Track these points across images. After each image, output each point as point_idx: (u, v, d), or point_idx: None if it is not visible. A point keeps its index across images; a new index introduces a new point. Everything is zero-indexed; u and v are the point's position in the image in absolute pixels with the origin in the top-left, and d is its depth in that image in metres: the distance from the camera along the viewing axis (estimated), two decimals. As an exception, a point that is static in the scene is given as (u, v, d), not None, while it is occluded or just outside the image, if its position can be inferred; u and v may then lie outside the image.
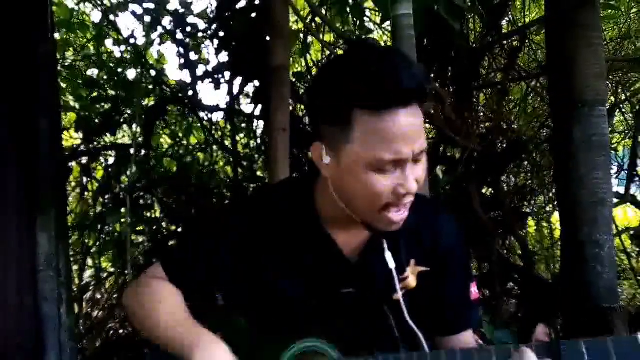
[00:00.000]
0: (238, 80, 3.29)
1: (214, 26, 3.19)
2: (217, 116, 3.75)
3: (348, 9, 3.14)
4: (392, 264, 1.21)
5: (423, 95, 1.09)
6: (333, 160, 1.13)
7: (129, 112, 3.54)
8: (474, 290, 1.34)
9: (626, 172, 3.23)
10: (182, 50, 3.31)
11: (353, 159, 1.09)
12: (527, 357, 1.03)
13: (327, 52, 3.31)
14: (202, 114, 3.69)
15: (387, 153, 1.05)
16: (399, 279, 1.24)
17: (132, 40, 3.40)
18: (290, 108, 2.39)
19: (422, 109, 1.11)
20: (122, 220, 2.96)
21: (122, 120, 3.55)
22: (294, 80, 3.20)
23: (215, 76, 3.30)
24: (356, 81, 1.05)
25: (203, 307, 1.31)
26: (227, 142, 3.77)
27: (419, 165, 1.12)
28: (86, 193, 3.66)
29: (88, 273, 3.88)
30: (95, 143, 3.56)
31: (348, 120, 1.06)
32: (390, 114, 1.03)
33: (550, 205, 3.73)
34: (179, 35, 3.34)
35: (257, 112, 3.31)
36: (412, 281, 1.26)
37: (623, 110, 3.55)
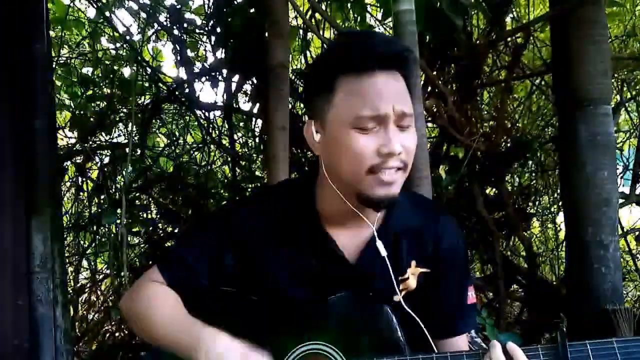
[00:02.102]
0: (236, 78, 3.27)
1: (211, 22, 3.16)
2: (215, 114, 3.73)
3: (348, 5, 3.12)
4: (383, 252, 1.22)
5: (400, 61, 1.16)
6: (322, 134, 1.19)
7: (124, 110, 3.51)
8: (470, 294, 1.35)
9: (631, 171, 3.21)
10: (178, 47, 3.28)
11: (336, 121, 1.15)
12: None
13: (327, 49, 3.27)
14: (199, 113, 3.66)
15: (366, 109, 1.11)
16: (400, 280, 1.26)
17: (127, 37, 3.35)
18: (290, 106, 2.36)
19: (408, 83, 1.18)
20: (118, 220, 2.93)
21: (117, 119, 3.52)
22: (293, 77, 3.17)
23: (213, 74, 3.28)
24: (339, 51, 1.19)
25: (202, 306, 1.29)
26: (224, 141, 3.74)
27: (406, 134, 1.15)
28: (81, 193, 3.63)
29: (83, 274, 3.86)
30: (90, 142, 3.53)
31: (332, 87, 1.15)
32: (369, 75, 1.12)
33: (555, 206, 3.73)
34: (176, 32, 3.32)
35: (256, 110, 3.28)
36: (412, 282, 1.27)
37: (628, 109, 3.54)
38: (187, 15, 3.40)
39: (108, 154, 3.61)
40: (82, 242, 3.73)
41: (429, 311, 1.29)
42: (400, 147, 1.12)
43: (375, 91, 1.11)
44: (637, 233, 3.53)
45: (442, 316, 1.31)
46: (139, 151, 3.52)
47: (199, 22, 3.41)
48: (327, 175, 1.21)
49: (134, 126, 3.33)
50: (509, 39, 3.12)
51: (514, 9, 3.36)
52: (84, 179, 3.58)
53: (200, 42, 3.54)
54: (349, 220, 1.24)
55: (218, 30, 3.03)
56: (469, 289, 1.34)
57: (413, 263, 1.27)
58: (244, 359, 1.13)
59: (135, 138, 3.41)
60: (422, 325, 1.23)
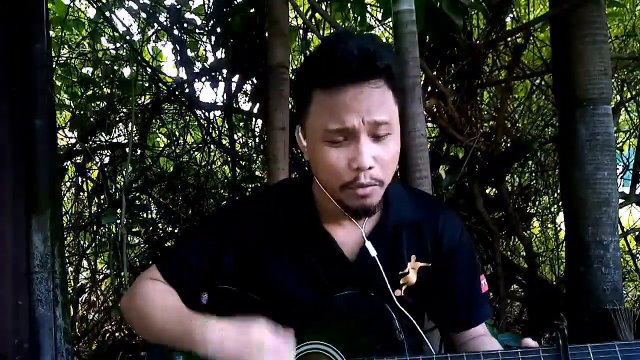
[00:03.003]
0: (236, 78, 3.26)
1: (211, 22, 3.15)
2: (215, 114, 3.72)
3: (349, 5, 3.10)
4: (373, 252, 1.23)
5: (373, 72, 1.10)
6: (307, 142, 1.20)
7: (124, 110, 3.50)
8: (483, 282, 1.35)
9: (631, 171, 3.20)
10: (178, 47, 3.27)
11: (311, 134, 1.17)
12: None
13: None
14: (199, 113, 3.64)
15: (332, 122, 1.10)
16: (400, 274, 1.26)
17: (127, 37, 3.35)
18: (290, 106, 2.36)
19: (390, 88, 1.14)
20: (118, 221, 2.92)
21: (117, 119, 3.51)
22: (293, 77, 3.16)
23: (213, 74, 3.27)
24: (313, 64, 1.17)
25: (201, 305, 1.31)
26: (224, 141, 3.73)
27: (382, 144, 1.13)
28: (81, 193, 3.62)
29: (83, 274, 3.85)
30: (90, 142, 3.52)
31: (308, 98, 1.16)
32: (339, 89, 1.10)
33: (555, 206, 3.71)
34: (176, 32, 3.31)
35: (256, 110, 3.26)
36: (412, 277, 1.28)
37: (628, 109, 3.52)
38: (187, 15, 3.40)
39: (108, 154, 3.60)
40: (82, 242, 3.72)
41: (444, 306, 1.32)
42: (370, 161, 1.11)
43: (342, 104, 1.10)
44: (637, 233, 3.51)
45: (459, 310, 1.33)
46: (139, 151, 3.51)
47: (199, 22, 3.41)
48: (316, 177, 1.23)
49: (134, 126, 3.32)
50: (509, 39, 3.10)
51: (514, 9, 3.34)
52: (84, 179, 3.57)
53: (200, 42, 3.53)
54: (345, 219, 1.25)
55: (218, 30, 3.03)
56: (481, 277, 1.35)
57: (413, 257, 1.28)
58: (243, 332, 1.13)
59: (135, 138, 3.40)
60: (415, 322, 1.25)
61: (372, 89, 1.11)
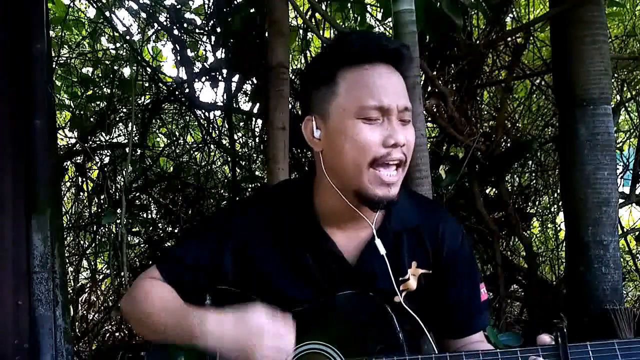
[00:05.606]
0: (236, 78, 3.27)
1: (211, 22, 3.15)
2: (215, 114, 3.72)
3: (349, 5, 3.10)
4: (382, 251, 1.22)
5: (398, 56, 1.20)
6: (322, 129, 1.19)
7: (124, 110, 3.50)
8: (483, 290, 1.35)
9: (631, 171, 3.20)
10: (178, 47, 3.27)
11: (340, 112, 1.16)
12: None
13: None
14: (199, 112, 3.65)
15: (371, 99, 1.14)
16: (400, 280, 1.26)
17: (127, 37, 3.35)
18: (290, 106, 2.36)
19: (407, 82, 1.22)
20: (118, 220, 2.92)
21: (117, 119, 3.51)
22: (293, 77, 3.16)
23: (213, 74, 3.26)
24: (340, 44, 1.23)
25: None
26: (224, 141, 3.73)
27: (407, 129, 1.18)
28: (81, 193, 3.62)
29: (83, 274, 3.85)
30: (90, 142, 3.52)
31: (333, 78, 1.17)
32: (372, 66, 1.16)
33: (555, 206, 3.71)
34: (176, 32, 3.31)
35: (256, 110, 3.27)
36: (412, 283, 1.27)
37: (628, 109, 3.52)
38: (187, 15, 3.40)
39: (108, 154, 3.60)
40: (82, 242, 3.72)
41: (442, 312, 1.32)
42: (404, 139, 1.15)
43: (380, 83, 1.15)
44: (637, 233, 3.51)
45: (456, 317, 1.32)
46: (139, 151, 3.51)
47: (199, 22, 3.41)
48: (326, 172, 1.21)
49: (134, 126, 3.32)
50: (509, 39, 3.10)
51: (514, 9, 3.34)
52: (84, 179, 3.57)
53: (200, 42, 3.53)
54: (348, 220, 1.24)
55: (218, 30, 3.03)
56: (481, 286, 1.35)
57: (414, 264, 1.28)
58: (241, 321, 1.13)
59: (135, 138, 3.40)
60: (423, 326, 1.23)
61: (397, 74, 1.19)
